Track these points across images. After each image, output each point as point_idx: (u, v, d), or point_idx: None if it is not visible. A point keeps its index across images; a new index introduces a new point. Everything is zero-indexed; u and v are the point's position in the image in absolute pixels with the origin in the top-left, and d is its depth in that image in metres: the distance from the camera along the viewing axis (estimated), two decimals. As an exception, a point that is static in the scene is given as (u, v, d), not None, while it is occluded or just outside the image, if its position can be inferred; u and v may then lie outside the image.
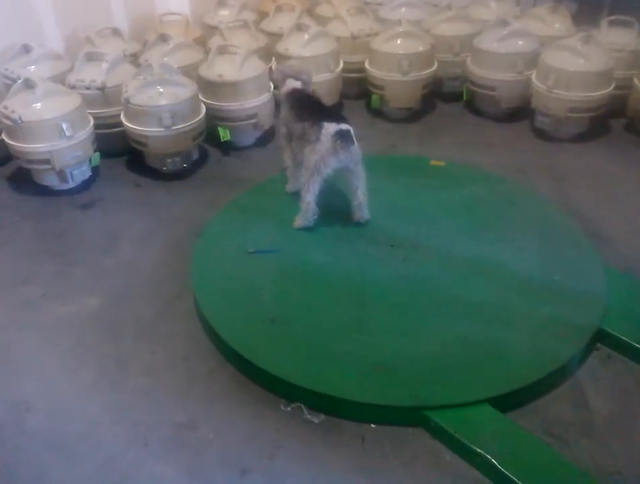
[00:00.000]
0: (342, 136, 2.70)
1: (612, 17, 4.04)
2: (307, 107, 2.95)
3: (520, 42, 4.00)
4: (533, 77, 3.89)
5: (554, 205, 3.17)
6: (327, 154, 2.73)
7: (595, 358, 2.40)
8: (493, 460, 1.94)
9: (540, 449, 2.02)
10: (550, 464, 1.97)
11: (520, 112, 4.15)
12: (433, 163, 3.47)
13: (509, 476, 1.91)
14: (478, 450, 1.98)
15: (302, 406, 2.20)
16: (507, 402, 2.16)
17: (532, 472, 1.93)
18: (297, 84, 3.13)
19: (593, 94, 3.69)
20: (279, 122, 3.32)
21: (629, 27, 3.97)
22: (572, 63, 3.68)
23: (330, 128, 2.71)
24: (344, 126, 2.72)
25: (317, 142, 2.73)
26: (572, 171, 3.61)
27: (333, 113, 3.04)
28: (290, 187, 3.23)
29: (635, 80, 3.82)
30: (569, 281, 2.64)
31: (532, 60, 3.93)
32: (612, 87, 3.75)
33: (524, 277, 2.66)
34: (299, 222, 2.95)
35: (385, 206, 3.08)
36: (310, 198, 2.85)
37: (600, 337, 2.42)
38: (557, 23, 4.27)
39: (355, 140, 2.74)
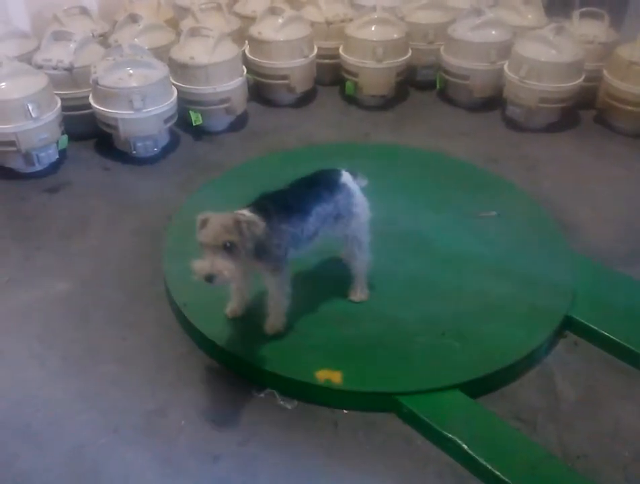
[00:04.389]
0: None
1: (583, 9, 4.08)
2: None
3: (494, 32, 4.02)
4: (505, 67, 3.92)
5: (523, 193, 3.21)
6: None
7: (562, 345, 2.44)
8: (464, 445, 1.98)
9: (508, 433, 2.06)
10: (519, 448, 2.01)
11: (492, 101, 4.18)
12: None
13: (479, 460, 1.94)
14: (449, 435, 2.01)
15: (275, 392, 2.20)
16: (477, 388, 2.19)
17: (501, 456, 1.97)
18: None
19: (563, 85, 3.73)
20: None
21: (599, 20, 4.03)
22: (544, 54, 3.71)
23: None
24: None
25: None
26: (542, 161, 3.66)
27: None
28: None
29: (604, 71, 3.87)
30: (538, 269, 2.67)
31: (505, 50, 3.96)
32: (582, 78, 3.80)
33: (493, 265, 2.69)
34: None
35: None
36: None
37: (568, 324, 2.47)
38: (530, 14, 4.29)
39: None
